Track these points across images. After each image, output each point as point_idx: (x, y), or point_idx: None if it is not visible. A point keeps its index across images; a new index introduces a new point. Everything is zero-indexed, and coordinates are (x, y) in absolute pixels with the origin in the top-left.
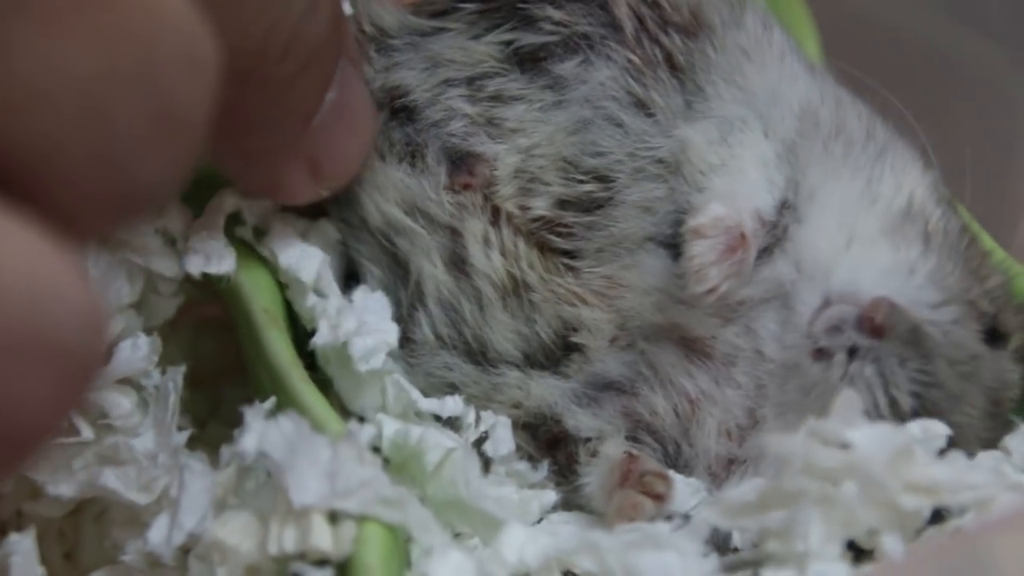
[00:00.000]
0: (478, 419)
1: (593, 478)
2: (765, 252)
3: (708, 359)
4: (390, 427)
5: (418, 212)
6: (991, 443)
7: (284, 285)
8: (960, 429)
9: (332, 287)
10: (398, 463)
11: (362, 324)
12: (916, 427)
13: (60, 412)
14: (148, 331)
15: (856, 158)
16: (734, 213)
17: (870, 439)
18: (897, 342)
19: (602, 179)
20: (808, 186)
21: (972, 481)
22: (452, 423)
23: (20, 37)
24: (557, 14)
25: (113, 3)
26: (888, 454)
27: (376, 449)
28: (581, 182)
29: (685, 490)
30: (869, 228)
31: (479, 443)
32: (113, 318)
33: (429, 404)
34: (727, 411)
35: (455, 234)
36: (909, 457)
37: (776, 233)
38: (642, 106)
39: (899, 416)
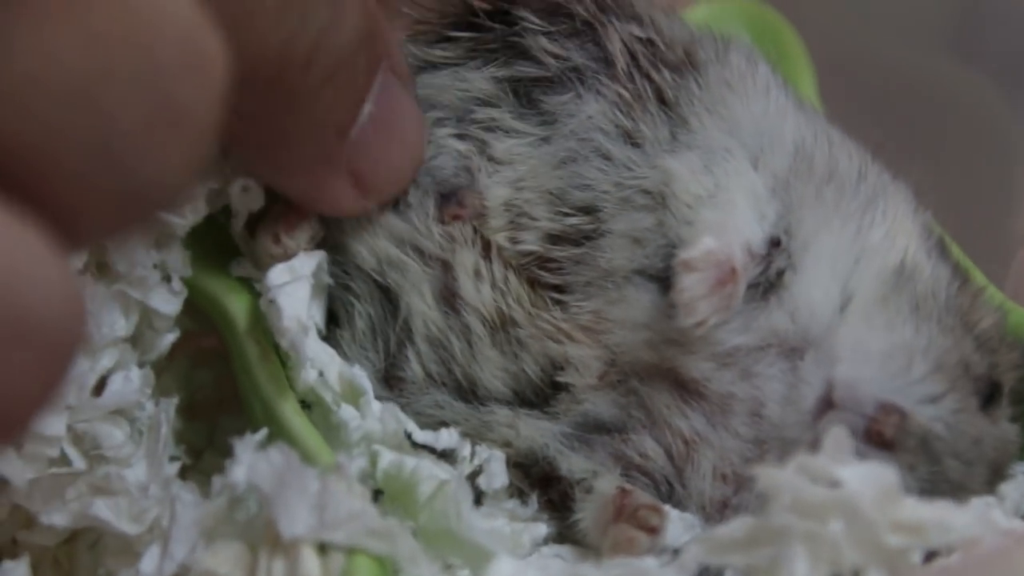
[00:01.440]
0: (473, 452)
1: (587, 514)
2: (760, 297)
3: (703, 400)
4: (385, 458)
5: (408, 246)
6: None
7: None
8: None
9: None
10: (391, 493)
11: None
12: None
13: (43, 392)
14: (142, 364)
15: (848, 204)
16: (725, 247)
17: (859, 477)
18: (907, 454)
19: (588, 211)
20: (803, 233)
21: (959, 522)
22: (447, 455)
23: (19, 30)
24: (551, 47)
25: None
26: (876, 492)
27: (372, 479)
28: (568, 215)
29: (679, 524)
30: (863, 289)
31: (473, 476)
32: (106, 350)
33: (424, 436)
34: (723, 455)
35: (446, 267)
36: (897, 496)
37: (769, 275)
38: (629, 137)
39: None
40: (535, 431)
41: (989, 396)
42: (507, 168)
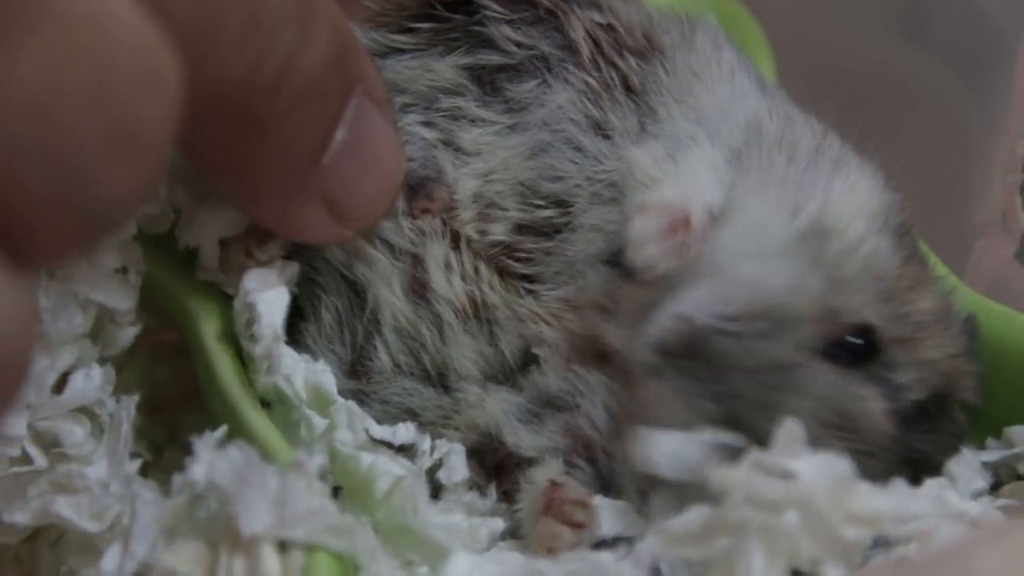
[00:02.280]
0: (433, 446)
1: (525, 504)
2: None
3: (625, 372)
4: (342, 454)
5: (377, 240)
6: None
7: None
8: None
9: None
10: (349, 490)
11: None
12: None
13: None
14: (103, 360)
15: (796, 169)
16: (682, 198)
17: (813, 469)
18: (682, 359)
19: (560, 204)
20: (739, 191)
21: (914, 511)
22: (405, 450)
23: None
24: (514, 35)
25: (63, 18)
26: (830, 484)
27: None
28: (540, 207)
29: (612, 514)
30: (776, 241)
31: (433, 470)
32: (66, 348)
33: (382, 432)
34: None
35: (416, 260)
36: (851, 487)
37: None
38: (599, 128)
39: (710, 422)
40: (499, 406)
41: (847, 347)
42: (476, 159)
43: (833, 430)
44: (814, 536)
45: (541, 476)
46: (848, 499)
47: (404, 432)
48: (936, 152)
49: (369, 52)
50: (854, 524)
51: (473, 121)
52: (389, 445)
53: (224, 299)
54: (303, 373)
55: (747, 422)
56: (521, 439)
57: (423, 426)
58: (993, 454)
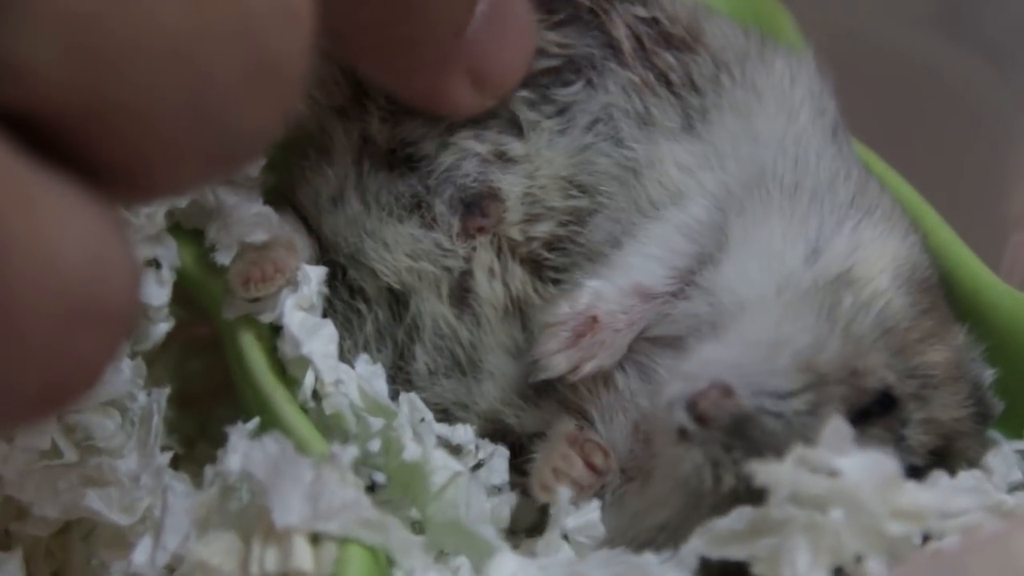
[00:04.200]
0: (477, 446)
1: (541, 453)
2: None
3: (635, 363)
4: (398, 444)
5: (427, 259)
6: None
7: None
8: None
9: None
10: (402, 482)
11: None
12: None
13: (105, 366)
14: (134, 355)
15: (821, 215)
16: (581, 304)
17: (858, 466)
18: (720, 432)
19: (591, 192)
20: (733, 232)
21: (958, 506)
22: (451, 447)
23: None
24: (556, 37)
25: None
26: (875, 481)
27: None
28: (574, 197)
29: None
30: (789, 285)
31: (474, 470)
32: None
33: (440, 428)
34: (645, 416)
35: (465, 272)
36: (896, 483)
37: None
38: (643, 122)
39: (733, 495)
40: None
41: (867, 411)
42: (526, 162)
43: None
44: (859, 532)
45: (561, 427)
46: (893, 495)
47: (463, 433)
48: (970, 146)
49: None
50: (899, 520)
51: (523, 130)
52: (446, 443)
53: None
54: (356, 386)
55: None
56: (524, 420)
57: (453, 420)
58: None
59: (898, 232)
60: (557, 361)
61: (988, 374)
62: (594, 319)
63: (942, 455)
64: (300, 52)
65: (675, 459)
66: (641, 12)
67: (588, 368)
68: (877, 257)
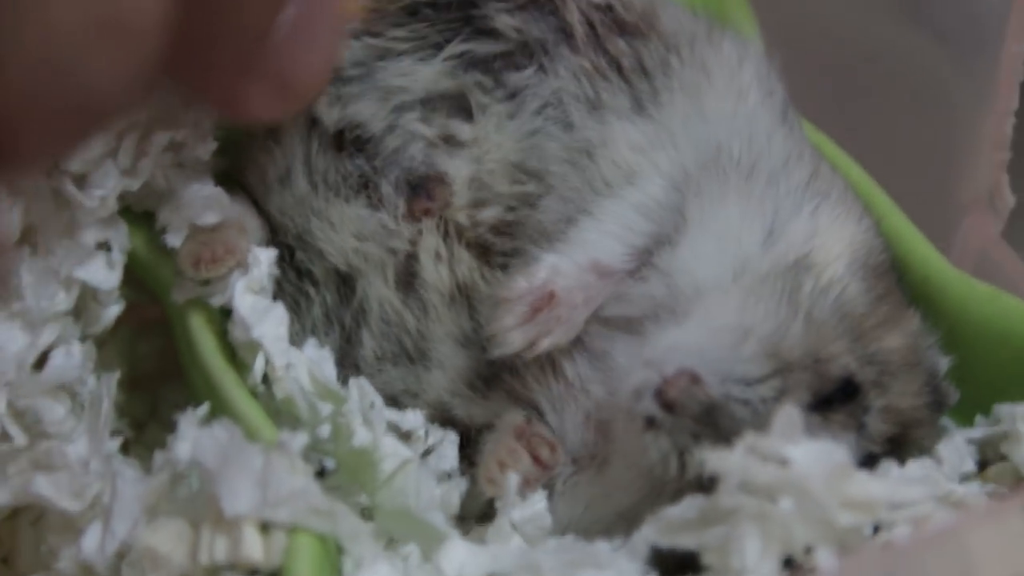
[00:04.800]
0: (427, 432)
1: (488, 446)
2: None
3: (585, 350)
4: (347, 430)
5: (373, 240)
6: None
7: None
8: None
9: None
10: (352, 468)
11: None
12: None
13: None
14: (85, 338)
15: (777, 197)
16: (539, 278)
17: (808, 455)
18: (689, 419)
19: (541, 176)
20: (690, 214)
21: (908, 497)
22: (402, 434)
23: None
24: (511, 21)
25: None
26: (825, 470)
27: (323, 452)
28: (523, 183)
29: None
30: (748, 269)
31: (423, 456)
32: (48, 325)
33: (390, 414)
34: (598, 404)
35: (410, 255)
36: (846, 473)
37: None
38: (593, 107)
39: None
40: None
41: (829, 398)
42: (474, 147)
43: None
44: (809, 522)
45: (508, 421)
46: (843, 485)
47: (412, 418)
48: (924, 130)
49: (366, 57)
50: (849, 510)
51: (472, 113)
52: (395, 429)
53: None
54: (307, 371)
55: None
56: (471, 411)
57: (402, 407)
58: (979, 431)
59: (853, 216)
60: (513, 337)
61: (944, 361)
62: (551, 294)
63: (898, 443)
64: (151, 6)
65: (640, 447)
66: None
67: (544, 344)
68: (834, 242)
